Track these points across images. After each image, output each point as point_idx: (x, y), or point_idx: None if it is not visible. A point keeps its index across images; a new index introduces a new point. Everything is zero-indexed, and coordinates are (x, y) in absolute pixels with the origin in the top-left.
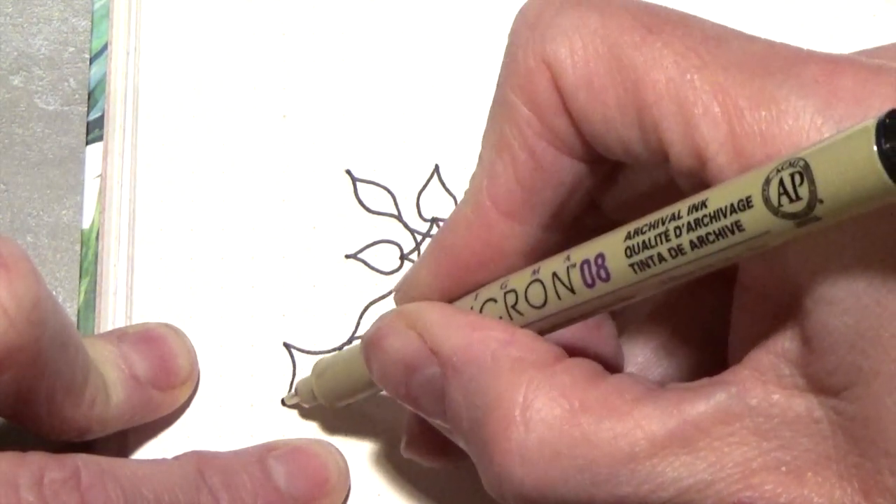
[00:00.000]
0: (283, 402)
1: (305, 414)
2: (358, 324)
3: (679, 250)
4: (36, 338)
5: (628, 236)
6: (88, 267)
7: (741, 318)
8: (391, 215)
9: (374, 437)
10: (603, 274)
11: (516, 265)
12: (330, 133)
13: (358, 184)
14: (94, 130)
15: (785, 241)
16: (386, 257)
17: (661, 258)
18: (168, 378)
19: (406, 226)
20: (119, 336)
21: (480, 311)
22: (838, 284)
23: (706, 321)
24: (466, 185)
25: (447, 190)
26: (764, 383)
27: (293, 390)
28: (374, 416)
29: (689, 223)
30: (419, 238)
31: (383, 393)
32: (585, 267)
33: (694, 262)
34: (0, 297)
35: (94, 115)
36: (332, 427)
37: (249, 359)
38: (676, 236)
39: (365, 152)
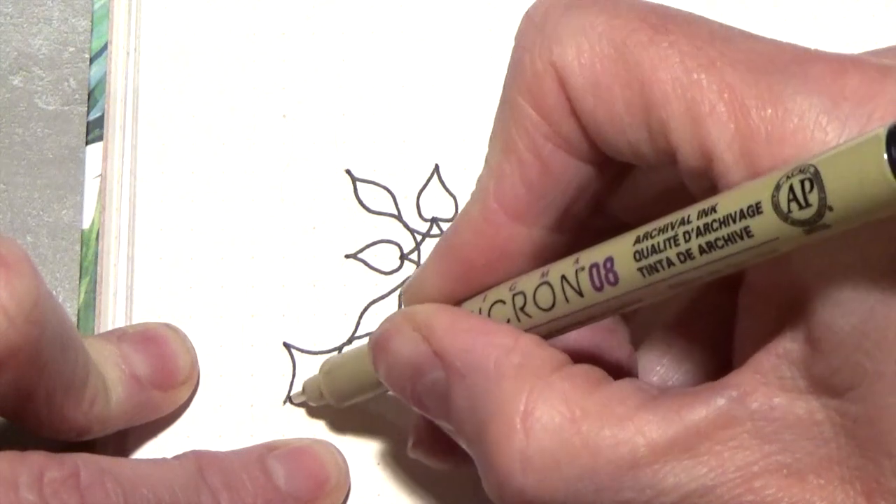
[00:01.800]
0: (290, 401)
1: (312, 412)
2: (358, 324)
3: (688, 255)
4: (36, 337)
5: (637, 240)
6: (88, 267)
7: (745, 320)
8: (391, 215)
9: (374, 436)
10: (611, 278)
11: (523, 267)
12: (330, 133)
13: (358, 184)
14: (94, 130)
15: (793, 248)
16: (386, 257)
17: (669, 263)
18: (168, 378)
19: (406, 226)
20: (119, 336)
21: (489, 312)
22: (844, 286)
23: (726, 327)
24: (466, 185)
25: (447, 190)
26: (765, 386)
27: (301, 388)
28: (375, 416)
29: (698, 228)
30: (419, 238)
31: (390, 393)
32: (594, 270)
33: (703, 268)
34: (0, 297)
35: (94, 115)
36: (333, 427)
37: (249, 359)
38: (685, 241)
39: (365, 152)
